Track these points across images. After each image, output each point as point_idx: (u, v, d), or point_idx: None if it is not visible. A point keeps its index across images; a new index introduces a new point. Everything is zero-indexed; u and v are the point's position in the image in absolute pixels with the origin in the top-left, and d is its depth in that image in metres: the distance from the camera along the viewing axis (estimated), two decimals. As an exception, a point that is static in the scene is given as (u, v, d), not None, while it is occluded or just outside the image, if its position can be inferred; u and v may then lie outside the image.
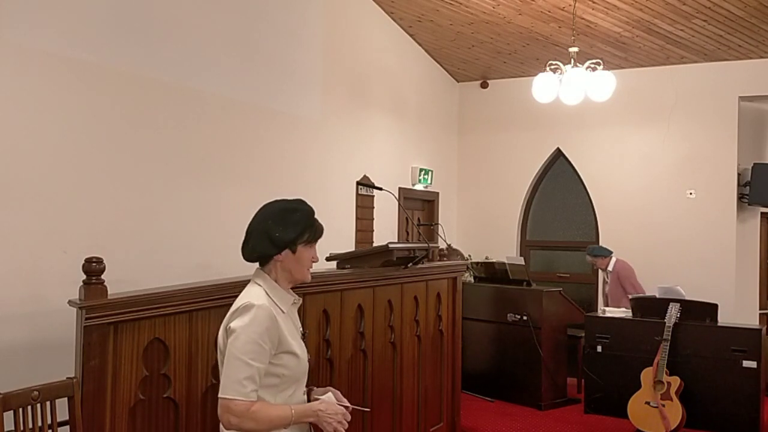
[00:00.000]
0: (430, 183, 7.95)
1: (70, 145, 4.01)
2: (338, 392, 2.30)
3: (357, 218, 6.68)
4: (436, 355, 4.79)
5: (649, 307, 5.95)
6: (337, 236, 5.91)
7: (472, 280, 7.06)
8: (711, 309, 5.73)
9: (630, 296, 6.48)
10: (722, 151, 7.14)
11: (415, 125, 7.77)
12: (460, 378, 5.09)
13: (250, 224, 2.25)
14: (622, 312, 6.25)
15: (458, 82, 8.63)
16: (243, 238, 2.25)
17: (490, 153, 8.46)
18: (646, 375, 5.48)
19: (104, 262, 2.62)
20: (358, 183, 6.63)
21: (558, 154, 8.15)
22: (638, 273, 6.93)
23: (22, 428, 2.49)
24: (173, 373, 2.84)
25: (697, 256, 7.15)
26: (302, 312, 3.11)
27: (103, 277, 2.61)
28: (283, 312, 2.19)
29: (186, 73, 4.78)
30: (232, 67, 5.19)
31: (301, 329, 2.30)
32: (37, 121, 3.83)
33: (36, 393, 2.54)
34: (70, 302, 2.61)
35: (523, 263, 7.00)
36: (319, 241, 2.29)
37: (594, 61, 5.86)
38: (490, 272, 7.01)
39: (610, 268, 6.99)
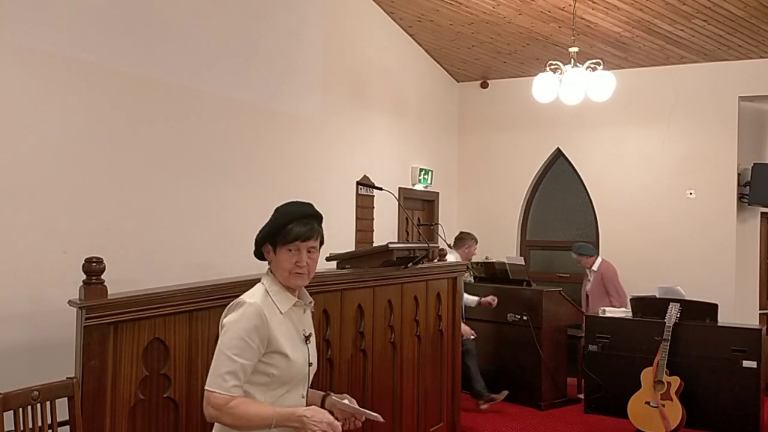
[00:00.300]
0: (430, 183, 7.94)
1: (70, 145, 4.00)
2: (354, 400, 2.27)
3: (357, 218, 6.68)
4: (436, 355, 4.79)
5: (649, 307, 5.96)
6: (337, 236, 5.90)
7: (472, 280, 7.07)
8: (711, 309, 5.73)
9: (611, 297, 6.56)
10: (722, 151, 7.14)
11: (415, 125, 7.77)
12: (460, 378, 5.09)
13: None
14: (622, 312, 6.26)
15: (458, 82, 8.62)
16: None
17: (490, 153, 8.45)
18: (646, 375, 5.48)
19: (104, 262, 2.62)
20: (358, 183, 6.63)
21: (558, 154, 8.14)
22: (638, 273, 6.93)
23: (22, 428, 2.49)
24: (173, 373, 2.84)
25: (697, 256, 7.15)
26: (303, 312, 3.10)
27: (103, 277, 2.61)
28: (280, 312, 2.16)
29: (186, 73, 4.78)
30: (232, 67, 5.19)
31: (305, 332, 2.25)
32: (37, 121, 3.83)
33: (36, 393, 2.54)
34: (70, 302, 2.61)
35: (523, 263, 7.01)
36: None
37: (594, 61, 5.86)
38: (490, 272, 7.02)
39: (594, 268, 6.99)
